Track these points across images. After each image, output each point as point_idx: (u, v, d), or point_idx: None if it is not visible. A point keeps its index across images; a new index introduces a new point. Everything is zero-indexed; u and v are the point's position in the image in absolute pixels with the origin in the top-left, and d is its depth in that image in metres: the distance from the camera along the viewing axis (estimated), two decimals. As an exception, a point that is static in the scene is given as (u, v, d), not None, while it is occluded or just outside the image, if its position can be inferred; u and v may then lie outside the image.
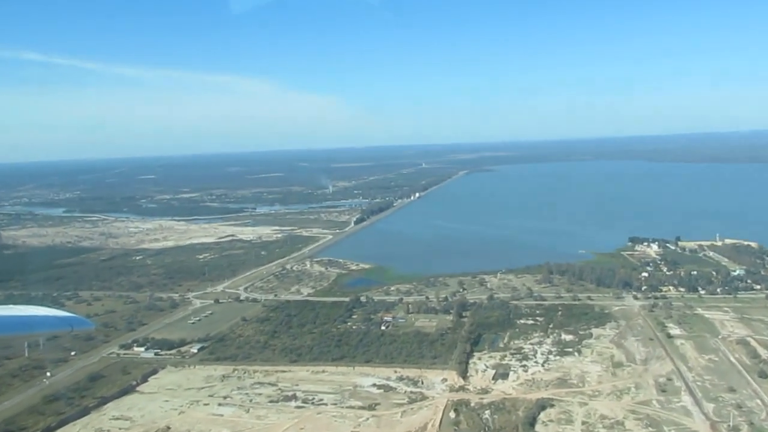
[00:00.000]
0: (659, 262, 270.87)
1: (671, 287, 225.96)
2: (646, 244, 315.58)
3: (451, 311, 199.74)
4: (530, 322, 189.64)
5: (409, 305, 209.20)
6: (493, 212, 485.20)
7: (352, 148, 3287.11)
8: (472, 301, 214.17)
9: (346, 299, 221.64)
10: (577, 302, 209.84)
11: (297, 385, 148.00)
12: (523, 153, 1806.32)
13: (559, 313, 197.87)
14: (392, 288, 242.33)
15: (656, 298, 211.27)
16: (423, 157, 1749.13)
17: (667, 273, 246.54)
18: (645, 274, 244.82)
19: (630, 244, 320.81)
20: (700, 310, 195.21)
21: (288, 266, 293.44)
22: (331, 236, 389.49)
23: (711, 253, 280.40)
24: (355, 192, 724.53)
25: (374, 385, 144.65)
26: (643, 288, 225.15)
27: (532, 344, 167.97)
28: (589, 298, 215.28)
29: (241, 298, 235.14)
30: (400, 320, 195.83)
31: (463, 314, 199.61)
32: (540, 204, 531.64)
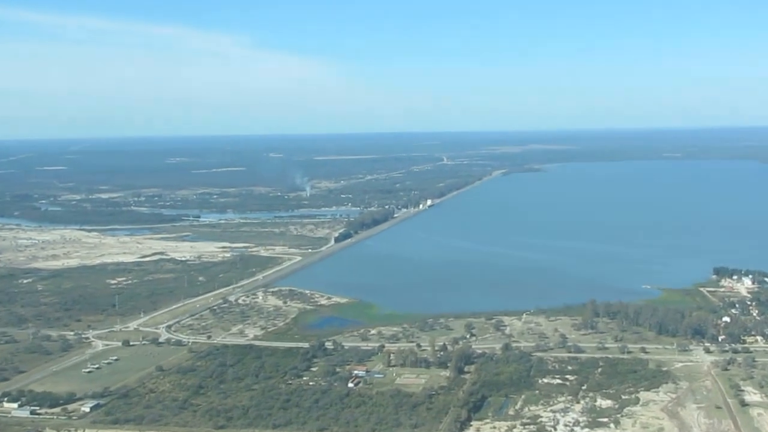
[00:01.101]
0: (749, 302, 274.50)
1: (760, 337, 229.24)
2: (735, 277, 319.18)
3: (449, 365, 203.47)
4: (556, 381, 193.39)
5: (392, 355, 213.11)
6: (532, 229, 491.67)
7: (348, 134, 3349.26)
8: (480, 351, 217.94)
9: (306, 345, 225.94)
10: (625, 356, 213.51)
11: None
12: (586, 146, 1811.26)
13: (599, 370, 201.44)
14: (373, 331, 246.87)
15: (736, 351, 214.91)
16: (448, 149, 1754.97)
17: (758, 318, 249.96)
18: (726, 319, 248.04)
19: (715, 277, 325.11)
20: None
21: (232, 298, 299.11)
22: (299, 258, 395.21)
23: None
24: (343, 197, 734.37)
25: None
26: (721, 338, 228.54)
27: (553, 412, 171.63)
28: (643, 350, 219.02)
29: (162, 339, 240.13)
30: (376, 375, 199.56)
31: (466, 369, 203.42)
32: (600, 220, 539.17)
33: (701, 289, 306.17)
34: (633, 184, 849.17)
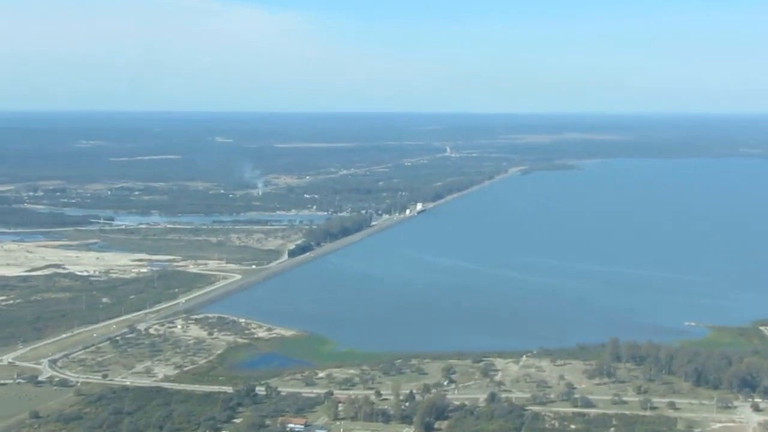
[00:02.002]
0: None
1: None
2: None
3: (414, 419, 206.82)
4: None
5: (341, 405, 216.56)
6: (549, 247, 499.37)
7: (324, 113, 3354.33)
8: (458, 403, 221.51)
9: (230, 390, 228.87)
10: (647, 413, 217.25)
11: None
12: (642, 137, 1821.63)
13: (611, 430, 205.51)
14: (322, 374, 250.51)
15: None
16: (453, 136, 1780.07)
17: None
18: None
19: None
20: None
21: (143, 326, 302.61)
22: (238, 276, 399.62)
23: None
24: (307, 197, 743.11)
25: None
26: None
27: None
28: (672, 405, 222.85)
29: (42, 377, 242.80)
30: (317, 430, 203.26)
31: (436, 425, 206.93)
32: (645, 238, 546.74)
33: (762, 328, 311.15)
34: (696, 191, 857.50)
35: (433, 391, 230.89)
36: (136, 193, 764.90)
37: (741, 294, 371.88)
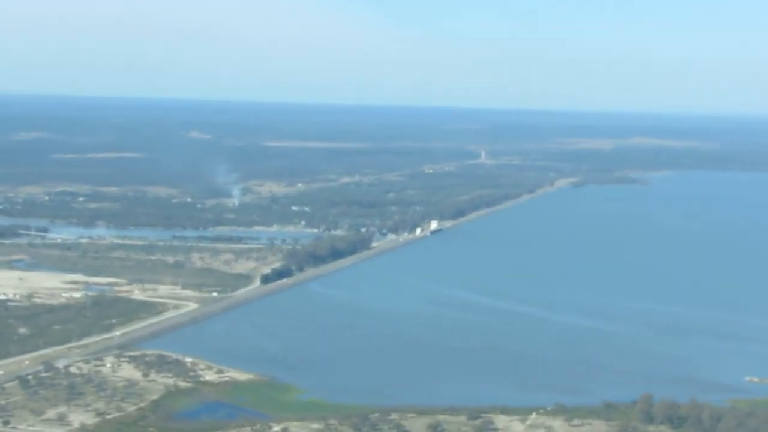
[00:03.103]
0: None
1: None
2: None
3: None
4: None
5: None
6: (589, 279, 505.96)
7: (333, 105, 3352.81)
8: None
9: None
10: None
11: None
12: (730, 143, 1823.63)
13: None
14: (277, 428, 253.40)
15: None
16: (492, 138, 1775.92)
17: None
18: None
19: None
20: None
21: (62, 363, 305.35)
22: (194, 305, 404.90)
23: None
24: (295, 209, 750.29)
25: None
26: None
27: None
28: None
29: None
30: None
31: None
32: (714, 273, 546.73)
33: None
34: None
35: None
36: (81, 199, 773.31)
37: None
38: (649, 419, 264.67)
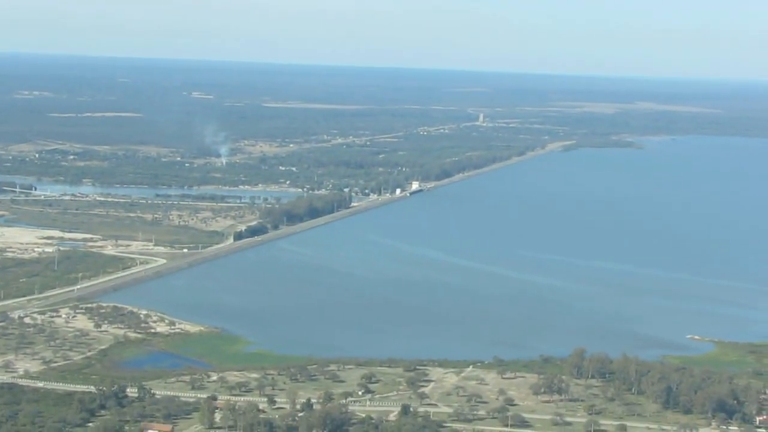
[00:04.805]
0: None
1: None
2: None
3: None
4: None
5: (218, 413, 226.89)
6: (564, 241, 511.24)
7: (334, 66, 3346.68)
8: (362, 414, 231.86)
9: (93, 390, 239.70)
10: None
11: None
12: (724, 110, 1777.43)
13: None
14: (215, 377, 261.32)
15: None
16: (493, 101, 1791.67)
17: None
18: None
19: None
20: None
21: (17, 314, 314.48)
22: (163, 261, 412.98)
23: None
24: (282, 170, 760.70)
25: None
26: (760, 419, 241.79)
27: None
28: (622, 428, 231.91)
29: None
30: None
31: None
32: (689, 233, 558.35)
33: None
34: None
35: (344, 401, 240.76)
36: (71, 157, 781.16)
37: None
38: (581, 373, 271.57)
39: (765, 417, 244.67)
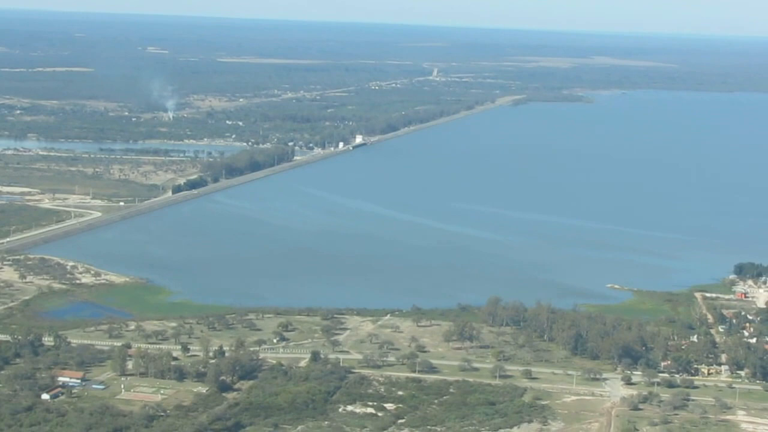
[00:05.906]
0: (756, 319, 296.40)
1: (725, 368, 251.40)
2: (763, 279, 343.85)
3: (206, 378, 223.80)
4: (366, 410, 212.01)
5: (131, 360, 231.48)
6: (496, 194, 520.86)
7: (290, 21, 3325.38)
8: (272, 361, 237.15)
9: (9, 339, 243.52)
10: (494, 381, 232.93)
11: None
12: (679, 65, 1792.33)
13: (443, 398, 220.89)
14: (132, 326, 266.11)
15: (673, 385, 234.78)
16: (450, 56, 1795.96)
17: (752, 341, 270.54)
18: (694, 339, 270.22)
19: (732, 277, 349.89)
20: (741, 416, 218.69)
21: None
22: (98, 214, 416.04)
23: None
24: (229, 124, 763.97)
25: None
26: (664, 364, 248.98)
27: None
28: (527, 374, 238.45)
29: None
30: (94, 386, 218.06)
31: (237, 386, 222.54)
32: (625, 185, 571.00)
33: (698, 294, 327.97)
34: (725, 135, 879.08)
35: (258, 348, 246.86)
36: (18, 112, 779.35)
37: (699, 254, 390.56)
38: (495, 321, 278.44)
39: (669, 362, 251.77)
